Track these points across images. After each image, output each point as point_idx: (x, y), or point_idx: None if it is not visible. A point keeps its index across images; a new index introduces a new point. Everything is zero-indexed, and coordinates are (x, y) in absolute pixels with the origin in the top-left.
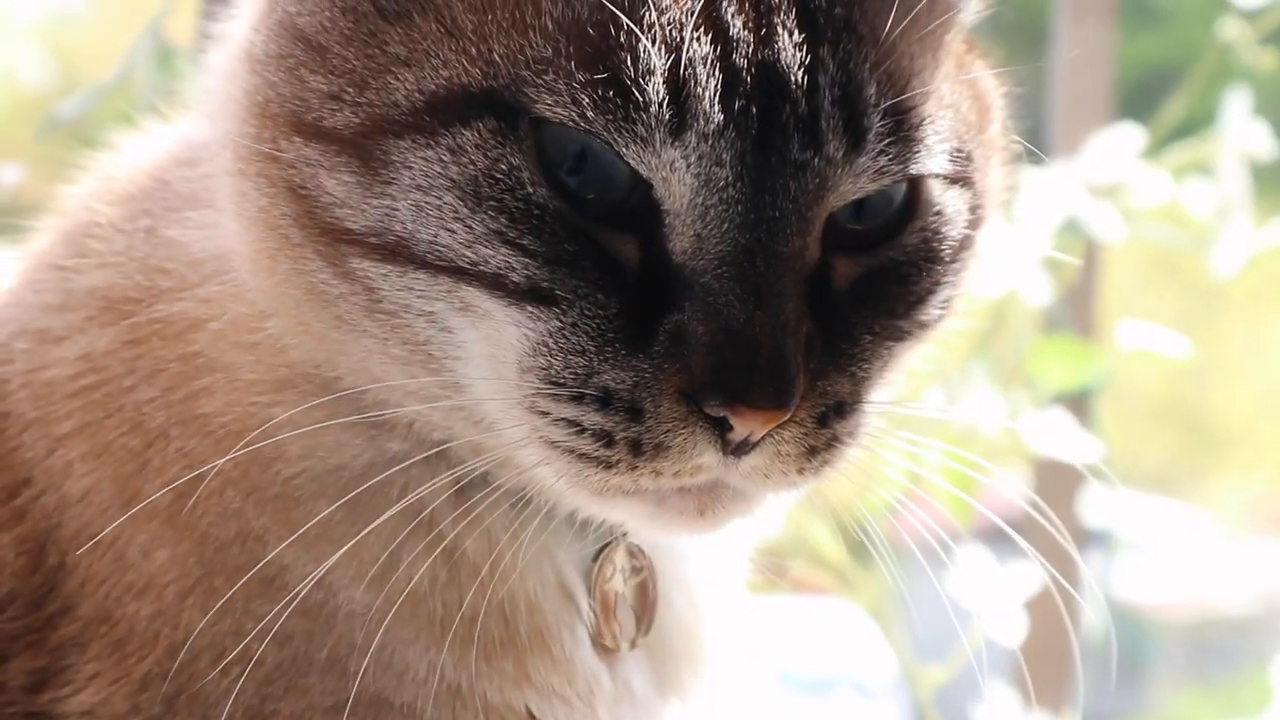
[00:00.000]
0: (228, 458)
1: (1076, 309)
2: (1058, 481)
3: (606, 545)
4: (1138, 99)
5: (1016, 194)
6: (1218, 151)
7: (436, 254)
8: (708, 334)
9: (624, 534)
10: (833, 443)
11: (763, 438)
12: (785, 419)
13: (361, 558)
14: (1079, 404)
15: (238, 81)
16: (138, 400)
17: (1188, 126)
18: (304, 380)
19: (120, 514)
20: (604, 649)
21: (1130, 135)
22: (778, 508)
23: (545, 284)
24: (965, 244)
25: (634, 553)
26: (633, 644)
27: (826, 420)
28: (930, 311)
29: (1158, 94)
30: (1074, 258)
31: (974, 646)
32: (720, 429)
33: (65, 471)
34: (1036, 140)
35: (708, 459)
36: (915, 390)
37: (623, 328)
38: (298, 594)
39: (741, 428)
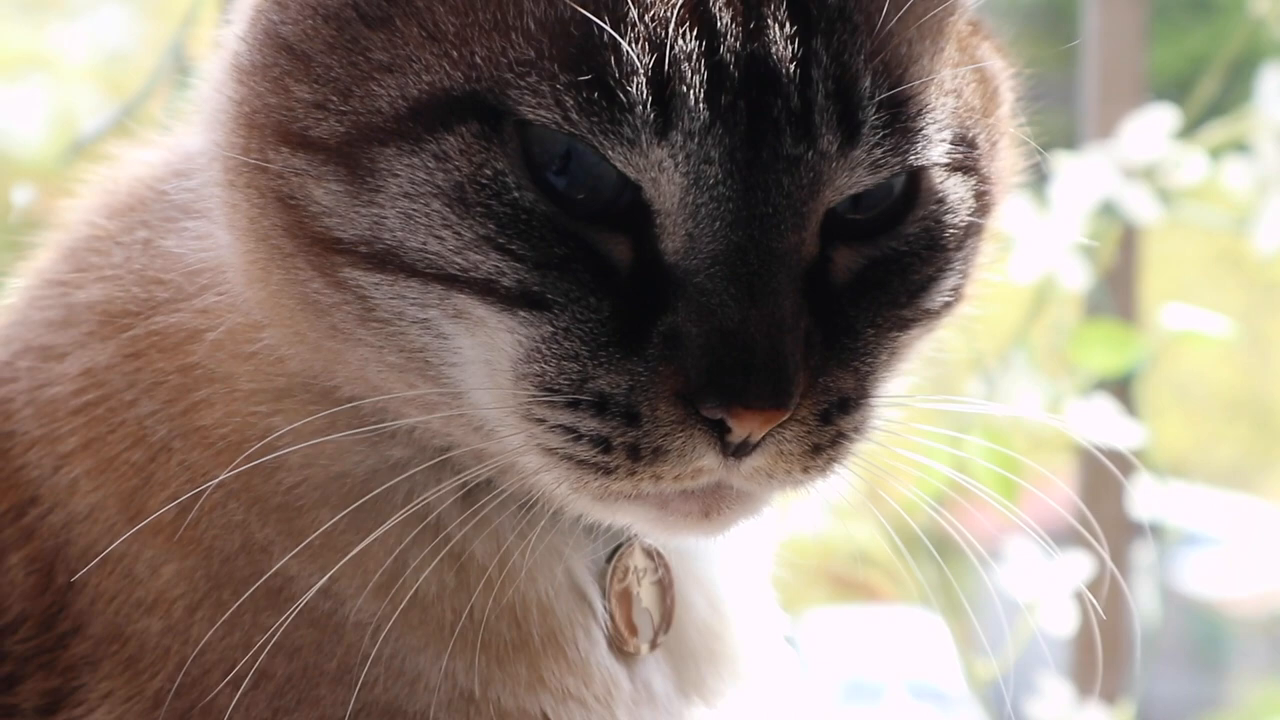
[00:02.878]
0: (229, 470)
1: (1116, 293)
2: (1107, 471)
3: (620, 546)
4: (1176, 90)
5: (1050, 179)
6: (1254, 128)
7: (426, 262)
8: (702, 335)
9: (637, 534)
10: (838, 439)
11: (764, 438)
12: (785, 418)
13: (367, 566)
14: (1122, 390)
15: (226, 91)
16: (139, 414)
17: (1222, 106)
18: (303, 389)
19: (126, 530)
20: (621, 651)
21: (1164, 116)
22: (806, 506)
23: (536, 288)
24: (971, 230)
25: (650, 553)
26: (652, 645)
27: (830, 417)
28: (936, 300)
29: (1195, 81)
30: (1112, 241)
31: (1026, 640)
32: (719, 431)
33: (71, 489)
34: (1070, 124)
35: (708, 461)
36: (955, 382)
37: (616, 330)
38: (302, 604)
39: (740, 429)
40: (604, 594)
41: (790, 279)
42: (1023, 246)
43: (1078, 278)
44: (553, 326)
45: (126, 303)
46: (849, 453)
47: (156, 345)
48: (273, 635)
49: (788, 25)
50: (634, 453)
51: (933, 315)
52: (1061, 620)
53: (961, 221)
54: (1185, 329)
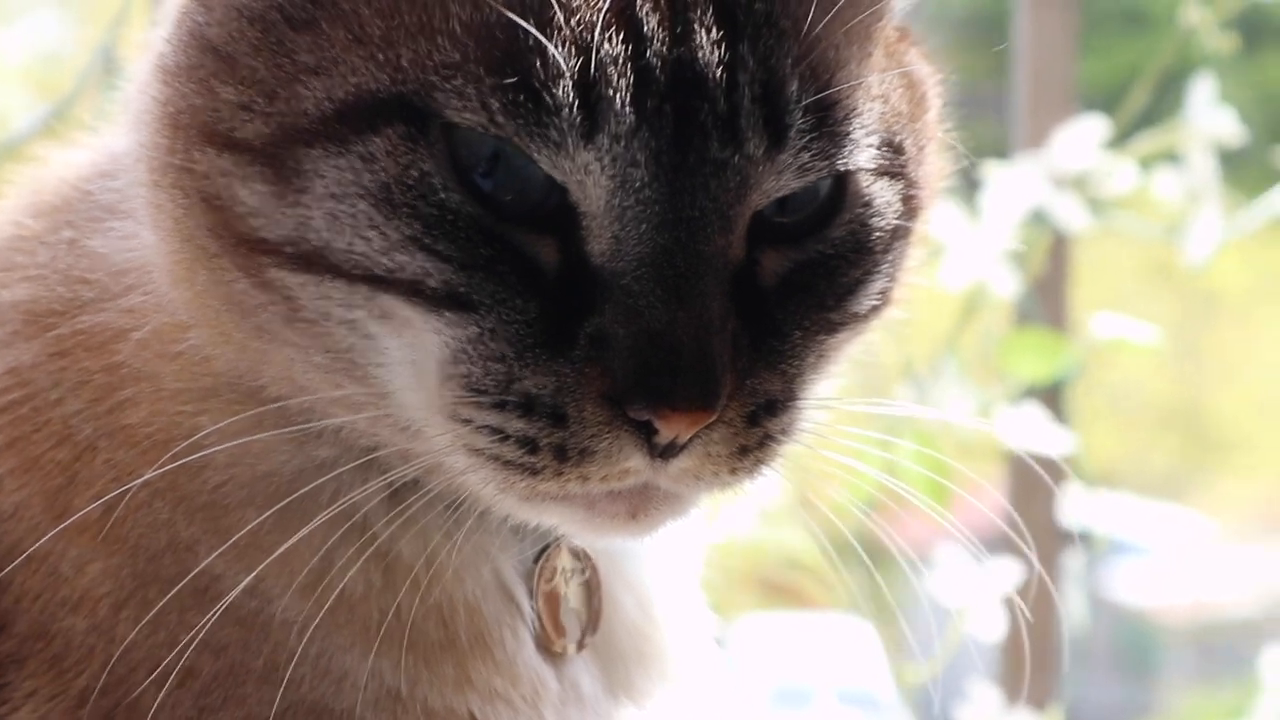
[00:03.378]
0: (155, 469)
1: (1046, 302)
2: (1036, 478)
3: (547, 546)
4: (1107, 100)
5: (981, 187)
6: (1185, 139)
7: (353, 262)
8: (629, 336)
9: (565, 535)
10: (765, 441)
11: (691, 439)
12: (712, 420)
13: (293, 565)
14: (1052, 398)
15: (151, 92)
16: (65, 413)
17: (1153, 116)
18: (229, 389)
19: (51, 528)
20: (549, 651)
21: (1095, 125)
22: (736, 510)
23: (462, 289)
24: (897, 234)
25: (577, 554)
26: (579, 646)
27: (757, 419)
28: (863, 303)
29: (1126, 92)
30: (1043, 250)
31: (956, 646)
32: (646, 432)
33: None
34: (1001, 133)
35: (635, 463)
36: (885, 387)
37: (542, 331)
38: (229, 602)
39: (667, 431)
40: (531, 594)
41: (718, 281)
42: (953, 254)
43: (1008, 286)
44: (479, 328)
45: (51, 302)
46: (776, 455)
47: (82, 344)
48: (198, 633)
49: (714, 30)
50: (561, 453)
51: (860, 319)
52: (990, 626)
53: (888, 225)
54: (1115, 337)
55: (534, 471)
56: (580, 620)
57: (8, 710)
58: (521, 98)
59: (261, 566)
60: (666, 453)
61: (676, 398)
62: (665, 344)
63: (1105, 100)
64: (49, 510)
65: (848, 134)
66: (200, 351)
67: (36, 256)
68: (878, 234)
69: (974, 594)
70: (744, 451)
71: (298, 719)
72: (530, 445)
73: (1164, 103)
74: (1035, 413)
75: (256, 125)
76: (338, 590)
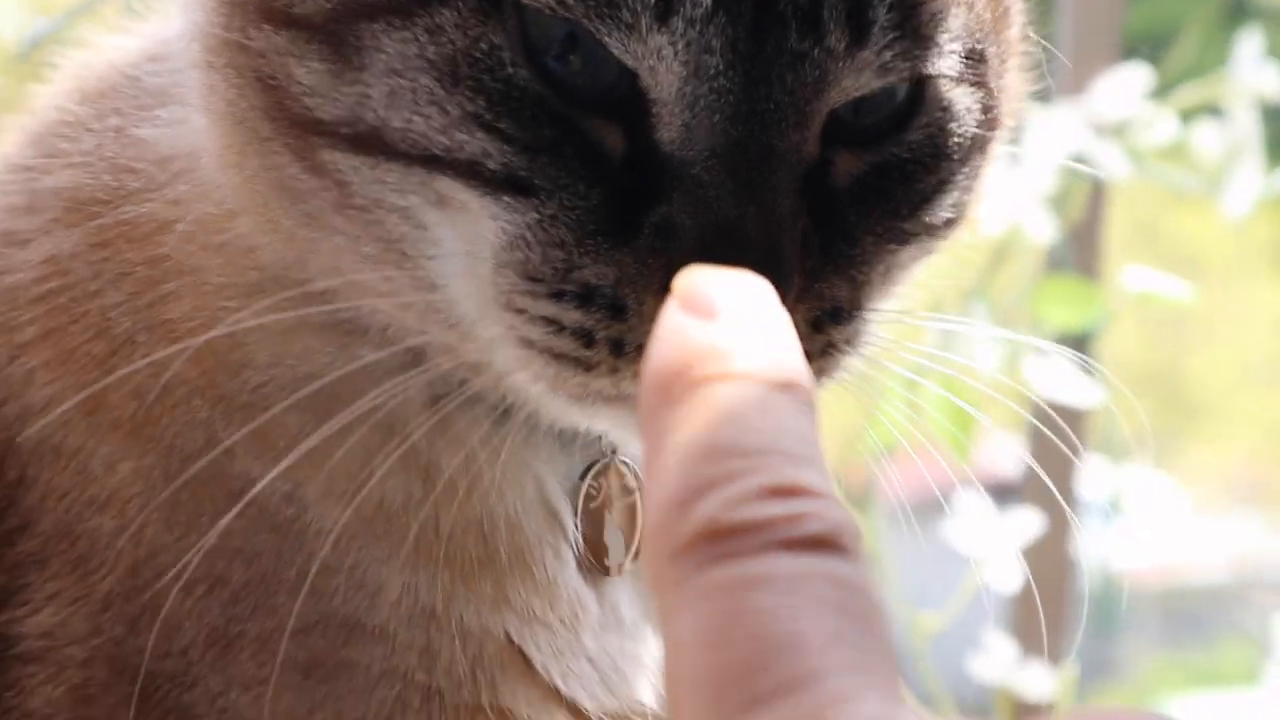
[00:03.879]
0: (195, 343)
1: (1080, 250)
2: (1059, 428)
3: (595, 463)
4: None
5: (1023, 129)
6: (1228, 93)
7: (410, 141)
8: (696, 227)
9: (614, 452)
10: (828, 350)
11: None
12: None
13: (332, 472)
14: (1081, 348)
15: None
16: (103, 305)
17: (1198, 70)
18: (274, 285)
19: (83, 422)
20: (591, 573)
21: (1139, 74)
22: None
23: (523, 172)
24: (976, 144)
25: (625, 472)
26: (620, 568)
27: (822, 325)
28: (938, 214)
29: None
30: (1081, 198)
31: (971, 595)
32: None
33: (27, 380)
34: (1043, 77)
35: None
36: (913, 329)
37: (605, 219)
38: (267, 512)
39: None
40: (576, 513)
41: (790, 178)
42: (990, 196)
43: (1045, 232)
44: (538, 214)
45: (95, 190)
46: (840, 366)
47: (125, 235)
48: (232, 539)
49: None
50: (617, 348)
51: (933, 231)
52: (1007, 577)
53: (967, 132)
54: (1146, 290)
55: (588, 366)
56: (625, 542)
57: (28, 612)
58: None
59: (300, 472)
60: None
61: None
62: (733, 237)
63: (1150, 51)
64: (82, 405)
65: (932, 37)
66: (245, 243)
67: (81, 143)
68: (956, 140)
69: (992, 544)
70: (806, 359)
71: (329, 632)
72: (586, 338)
73: (1210, 56)
74: (1064, 363)
75: (318, 1)
76: (376, 500)
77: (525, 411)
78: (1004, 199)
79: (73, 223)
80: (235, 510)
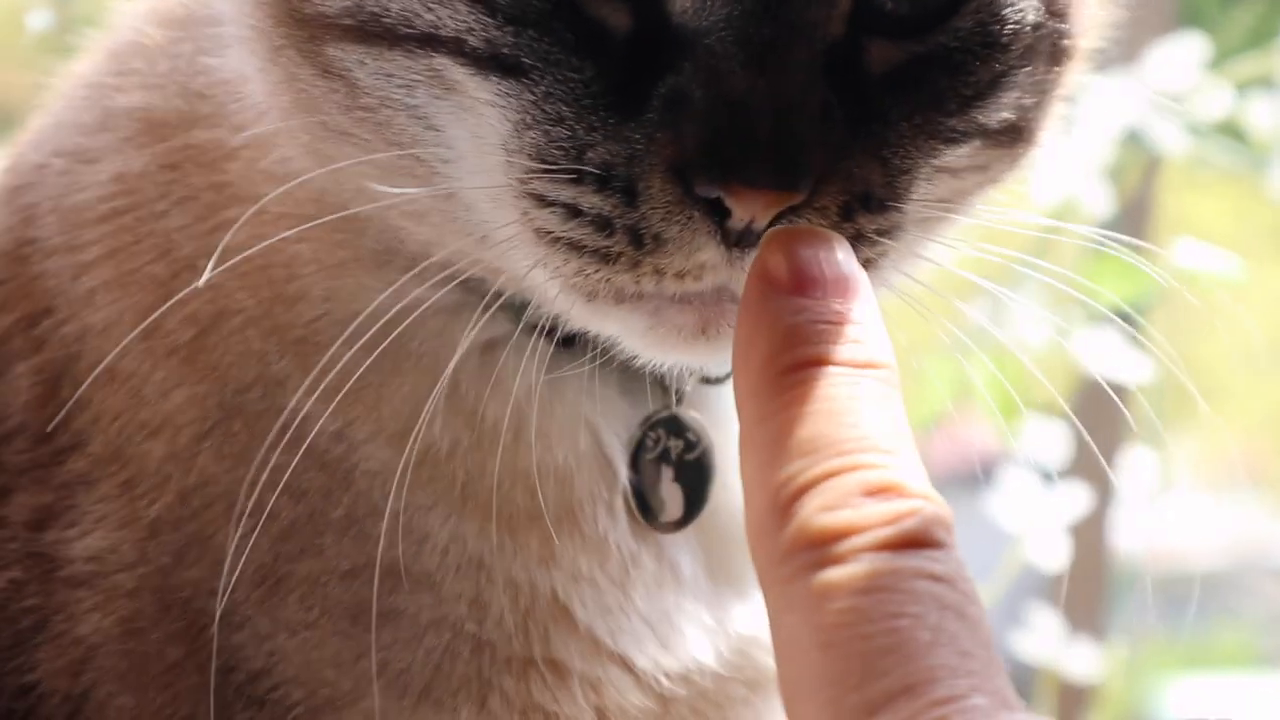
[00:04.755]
0: (240, 254)
1: (1131, 224)
2: (1108, 403)
3: (653, 414)
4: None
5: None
6: None
7: (405, 20)
8: (705, 100)
9: (678, 401)
10: (860, 242)
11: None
12: (796, 202)
13: (381, 413)
14: (1131, 323)
15: None
16: (168, 227)
17: (1254, 39)
18: (328, 213)
19: (140, 347)
20: (646, 528)
21: (1195, 44)
22: None
23: (507, 49)
24: (1040, 41)
25: (688, 424)
26: (675, 526)
27: (852, 213)
28: (992, 113)
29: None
30: (1136, 170)
31: (1015, 571)
32: (719, 215)
33: (88, 299)
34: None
35: (709, 255)
36: (960, 299)
37: (605, 92)
38: (317, 449)
39: (740, 210)
40: (632, 466)
41: (808, 53)
42: (1045, 166)
43: (1100, 204)
44: (532, 93)
45: (167, 113)
46: (871, 260)
47: (193, 159)
48: (280, 473)
49: None
50: (636, 240)
51: (989, 134)
52: (1053, 554)
53: (1026, 19)
54: (1197, 267)
55: (607, 258)
56: (682, 496)
57: (77, 534)
58: None
59: (350, 410)
60: (743, 240)
61: (749, 170)
62: (741, 112)
63: (1207, 20)
64: (140, 328)
65: None
66: (292, 169)
67: (157, 66)
68: (1011, 27)
69: (1038, 519)
70: None
71: (376, 577)
72: (605, 226)
73: (1269, 24)
74: (1114, 337)
75: None
76: (424, 445)
77: (578, 356)
78: (1058, 170)
79: (143, 143)
80: (297, 456)
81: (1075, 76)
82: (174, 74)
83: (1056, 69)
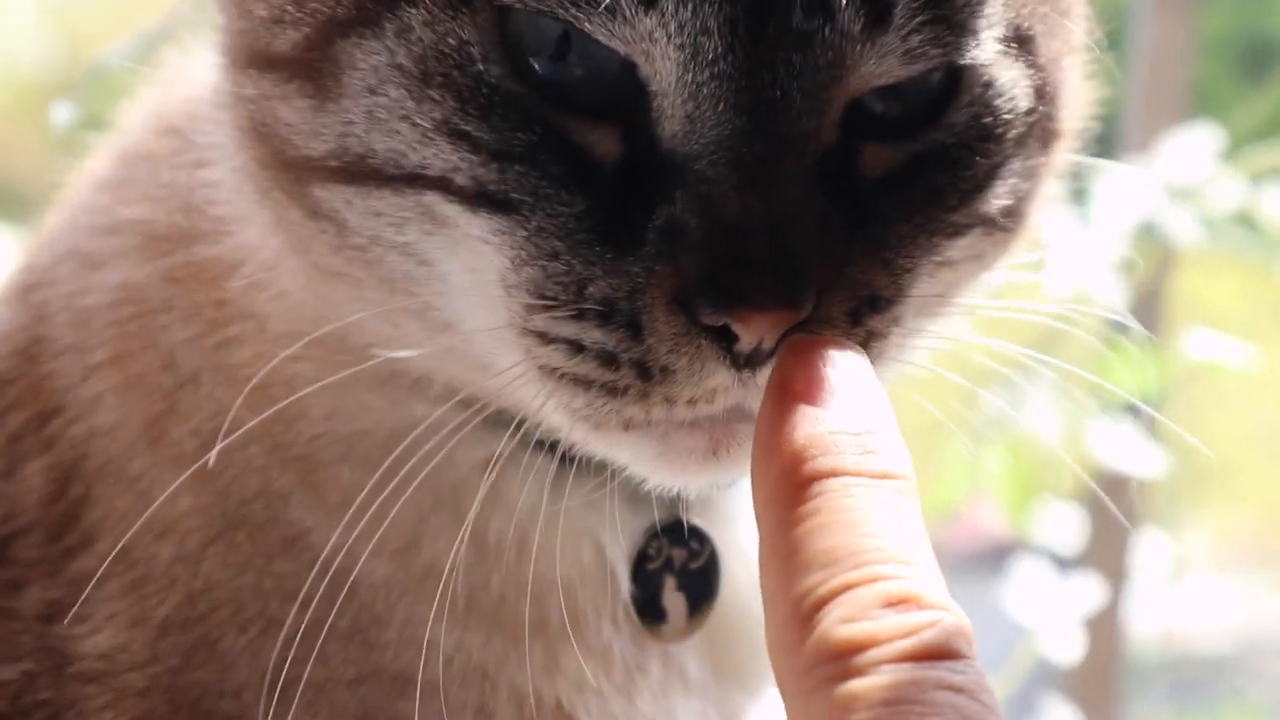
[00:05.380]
0: (258, 419)
1: (1145, 313)
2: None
3: (658, 520)
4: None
5: (1088, 192)
6: None
7: (393, 162)
8: (701, 228)
9: (684, 508)
10: (871, 342)
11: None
12: (801, 318)
13: (385, 528)
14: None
15: (215, 20)
16: (172, 339)
17: (1269, 129)
18: (329, 337)
19: (147, 451)
20: (651, 635)
21: (1209, 135)
22: None
23: (493, 185)
24: (1032, 127)
25: (691, 531)
26: (681, 633)
27: (861, 316)
28: (992, 202)
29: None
30: (1153, 262)
31: (1028, 664)
32: (726, 341)
33: (95, 402)
34: (1111, 139)
35: (720, 379)
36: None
37: (600, 226)
38: (320, 560)
39: (747, 335)
40: (635, 575)
41: (801, 164)
42: (1059, 258)
43: (1114, 297)
44: (525, 229)
45: (169, 227)
46: (884, 352)
47: (195, 275)
48: (286, 584)
49: None
50: (644, 372)
51: (990, 222)
52: (1067, 647)
53: (1018, 107)
54: (1208, 358)
55: (615, 391)
56: (686, 603)
57: (88, 630)
58: None
59: (354, 527)
60: (753, 360)
61: (751, 294)
62: (737, 236)
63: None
64: (146, 432)
65: (966, 21)
66: (294, 297)
67: (159, 177)
68: (1006, 116)
69: (1051, 612)
70: None
71: (381, 685)
72: (610, 360)
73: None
74: (1128, 428)
75: (290, 34)
76: (428, 559)
77: (582, 472)
78: (1072, 262)
79: (146, 256)
80: (301, 567)
81: (1064, 156)
82: (175, 186)
83: (1047, 152)
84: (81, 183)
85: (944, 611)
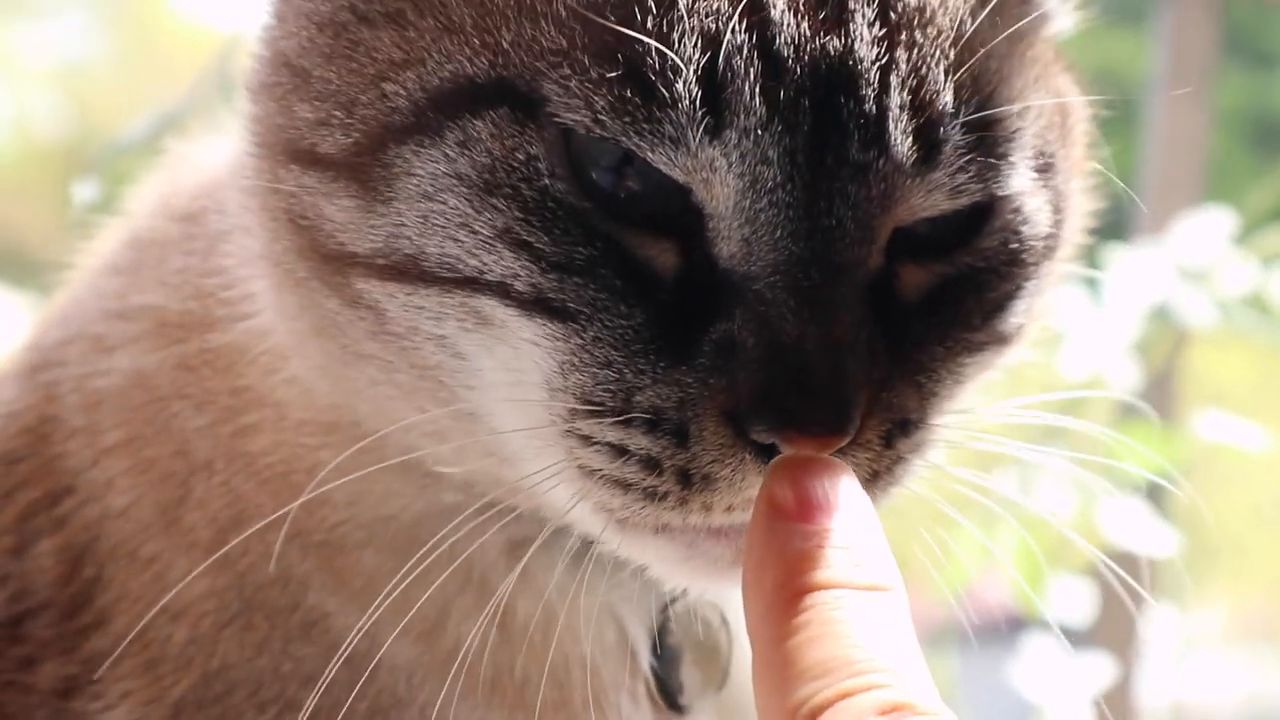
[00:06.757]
0: (282, 512)
1: (1157, 396)
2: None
3: (674, 599)
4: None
5: (1104, 276)
6: None
7: (446, 265)
8: (758, 347)
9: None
10: (896, 465)
11: None
12: (844, 443)
13: (408, 612)
14: (1154, 494)
15: (244, 110)
16: (185, 426)
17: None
18: (351, 425)
19: (161, 534)
20: (669, 710)
21: (1221, 218)
22: None
23: (552, 293)
24: (1049, 245)
25: (704, 608)
26: (701, 706)
27: (892, 440)
28: (1009, 321)
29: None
30: (1165, 344)
31: None
32: (768, 457)
33: (108, 485)
34: (1124, 221)
35: (756, 489)
36: (985, 468)
37: (657, 339)
38: (340, 644)
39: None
40: (654, 651)
41: (854, 293)
42: (1073, 340)
43: (1127, 379)
44: (580, 338)
45: (182, 315)
46: (905, 476)
47: (209, 363)
48: (304, 668)
49: (875, 25)
50: (685, 479)
51: (1003, 339)
52: None
53: (1042, 233)
54: (1220, 440)
55: (654, 496)
56: (701, 677)
57: (102, 707)
58: (629, 92)
59: (376, 611)
60: None
61: (806, 420)
62: (795, 360)
63: (1234, 194)
64: (160, 517)
65: (1007, 156)
66: (309, 383)
67: (170, 263)
68: (1031, 243)
69: (1061, 690)
70: (874, 477)
71: None
72: (653, 466)
73: None
74: (1139, 509)
75: (337, 138)
76: (451, 642)
77: (603, 554)
78: (1086, 344)
79: (158, 344)
80: (319, 651)
81: (1064, 265)
82: (187, 273)
83: (1053, 265)
84: (90, 265)
85: (936, 717)
